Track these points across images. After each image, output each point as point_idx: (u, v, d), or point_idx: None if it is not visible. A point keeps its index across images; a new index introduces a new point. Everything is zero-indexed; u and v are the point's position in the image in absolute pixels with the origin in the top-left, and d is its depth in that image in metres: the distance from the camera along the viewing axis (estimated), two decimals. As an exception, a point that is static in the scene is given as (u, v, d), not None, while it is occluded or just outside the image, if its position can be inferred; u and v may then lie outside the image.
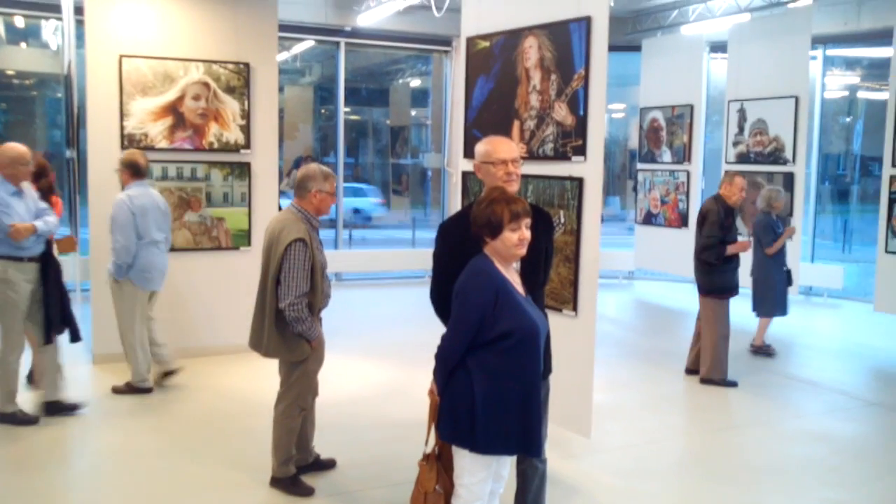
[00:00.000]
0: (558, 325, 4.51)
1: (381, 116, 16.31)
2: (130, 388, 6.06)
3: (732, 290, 6.58)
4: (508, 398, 3.00)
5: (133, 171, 5.90)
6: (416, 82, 15.53)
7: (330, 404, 5.55)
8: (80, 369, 6.59)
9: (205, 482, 4.51)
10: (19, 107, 13.62)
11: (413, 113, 16.16)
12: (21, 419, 5.31)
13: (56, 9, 8.97)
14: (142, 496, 4.33)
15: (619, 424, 5.72)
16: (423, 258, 11.42)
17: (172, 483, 4.50)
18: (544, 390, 3.60)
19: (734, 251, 6.50)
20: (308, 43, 11.93)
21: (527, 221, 3.06)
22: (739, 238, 6.71)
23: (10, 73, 12.92)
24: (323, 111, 15.09)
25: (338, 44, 11.10)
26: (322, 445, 4.77)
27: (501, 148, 3.48)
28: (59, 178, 9.40)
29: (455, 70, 11.46)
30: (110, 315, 6.58)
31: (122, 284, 5.90)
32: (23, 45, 12.12)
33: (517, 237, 3.01)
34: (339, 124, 11.35)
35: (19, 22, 10.91)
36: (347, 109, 11.50)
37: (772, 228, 7.42)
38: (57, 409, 5.47)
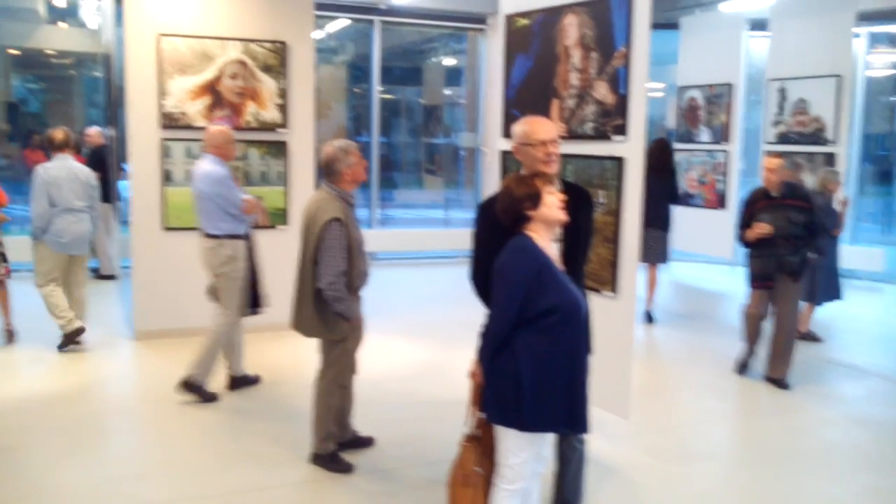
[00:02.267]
0: (597, 306, 4.48)
1: (414, 95, 16.23)
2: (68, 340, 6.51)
3: (759, 279, 6.12)
4: (555, 375, 3.01)
5: (50, 146, 6.47)
6: (449, 61, 15.42)
7: (368, 382, 5.57)
8: (123, 345, 6.70)
9: (246, 457, 4.57)
10: (58, 86, 13.77)
11: (447, 92, 16.06)
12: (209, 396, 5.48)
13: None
14: (183, 470, 4.40)
15: (658, 407, 5.70)
16: (456, 238, 11.40)
17: (214, 458, 4.57)
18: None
19: (750, 236, 6.04)
20: (342, 21, 11.89)
21: (558, 187, 3.19)
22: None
23: (49, 52, 13.06)
24: (356, 90, 15.05)
25: (372, 22, 11.06)
26: (360, 423, 4.80)
27: (540, 128, 3.44)
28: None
29: (491, 48, 11.37)
30: (152, 292, 6.75)
31: (39, 245, 6.40)
32: (62, 24, 12.24)
33: (556, 199, 3.07)
34: (373, 103, 11.33)
35: (59, 1, 11.01)
36: (381, 88, 11.46)
37: (832, 210, 7.19)
38: (242, 382, 5.71)
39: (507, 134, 5.51)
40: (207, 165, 5.40)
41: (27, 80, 13.55)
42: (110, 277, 9.20)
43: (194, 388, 5.39)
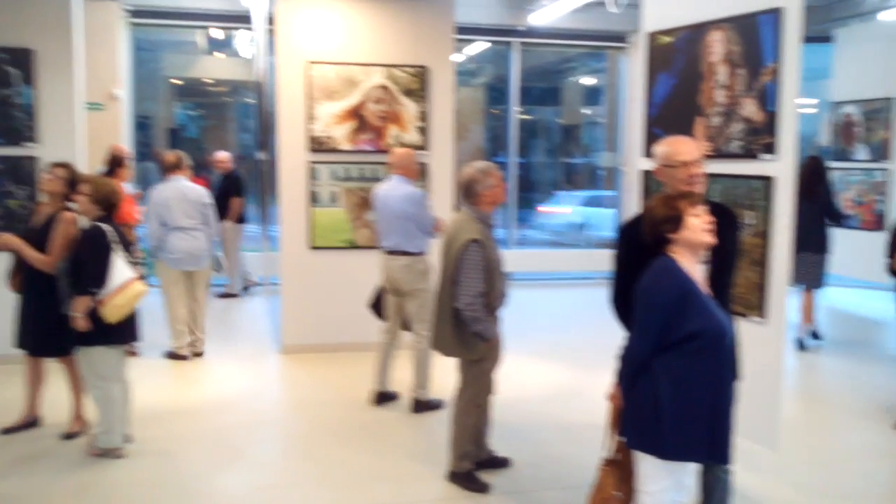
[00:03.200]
0: (744, 331, 4.31)
1: (553, 115, 16.21)
2: (171, 355, 6.90)
3: None
4: (697, 402, 2.92)
5: (163, 169, 6.93)
6: (588, 80, 15.31)
7: (505, 403, 5.57)
8: (270, 359, 7.01)
9: (385, 472, 4.66)
10: (214, 112, 14.67)
11: (585, 111, 15.94)
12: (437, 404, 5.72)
13: (248, 20, 9.59)
14: (326, 482, 4.53)
15: (809, 440, 5.39)
16: (594, 259, 11.25)
17: (354, 471, 4.69)
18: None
19: (894, 266, 5.63)
20: (481, 44, 12.04)
21: (705, 209, 3.01)
22: None
23: (207, 81, 13.94)
24: (493, 111, 15.20)
25: (511, 44, 11.14)
26: (497, 443, 4.80)
27: (682, 149, 3.35)
28: (249, 178, 10.00)
29: (632, 66, 11.21)
30: (299, 307, 7.05)
31: (158, 263, 6.82)
32: (218, 55, 13.05)
33: (702, 221, 2.96)
34: (510, 124, 11.39)
35: (216, 34, 11.73)
36: (519, 109, 11.51)
37: None
38: (385, 398, 5.84)
39: (648, 153, 5.41)
40: (405, 186, 5.68)
41: (187, 107, 14.50)
42: (233, 296, 9.57)
43: (425, 406, 5.68)
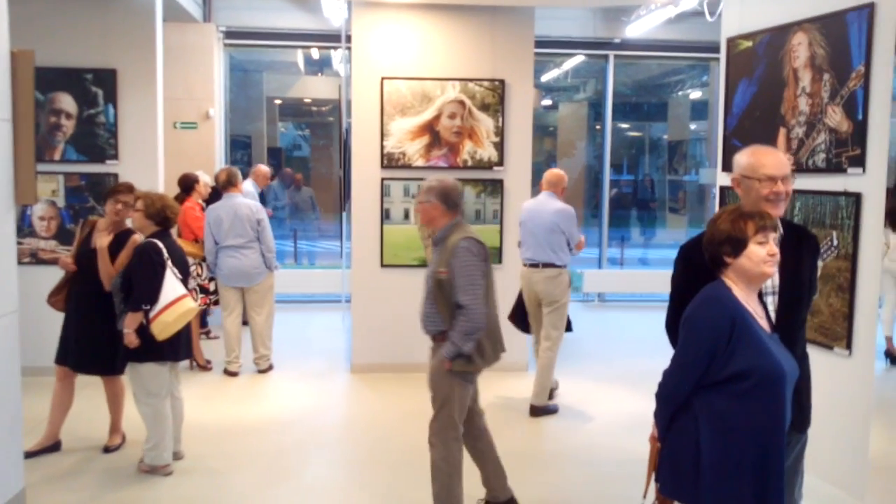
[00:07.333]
0: (829, 365, 3.89)
1: (660, 131, 15.66)
2: (224, 371, 6.88)
3: None
4: (742, 452, 2.56)
5: (218, 186, 6.97)
6: (696, 94, 14.69)
7: (575, 433, 5.27)
8: (339, 377, 6.91)
9: None
10: (320, 131, 14.92)
11: (693, 126, 15.30)
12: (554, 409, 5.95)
13: (339, 39, 9.63)
14: (370, 512, 4.34)
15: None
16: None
17: (411, 496, 4.47)
18: (799, 446, 3.05)
19: None
20: (581, 58, 11.72)
21: (775, 237, 2.63)
22: None
23: (307, 101, 14.20)
24: (598, 127, 14.82)
25: (606, 57, 10.77)
26: (556, 472, 4.51)
27: (768, 161, 2.91)
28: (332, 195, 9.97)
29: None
30: (369, 326, 6.93)
31: (216, 279, 6.91)
32: (319, 75, 13.25)
33: (766, 251, 2.58)
34: (606, 139, 10.99)
35: (314, 54, 11.90)
36: (627, 125, 11.08)
37: None
38: (540, 411, 5.90)
39: (727, 167, 5.01)
40: (555, 201, 5.98)
41: (290, 126, 14.82)
42: None
43: (542, 411, 5.86)
